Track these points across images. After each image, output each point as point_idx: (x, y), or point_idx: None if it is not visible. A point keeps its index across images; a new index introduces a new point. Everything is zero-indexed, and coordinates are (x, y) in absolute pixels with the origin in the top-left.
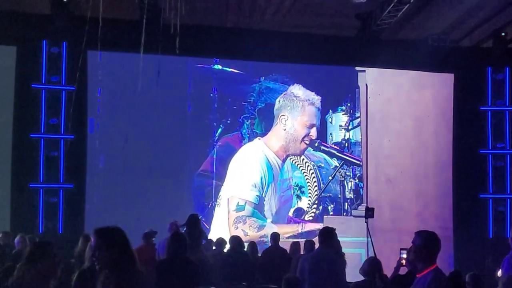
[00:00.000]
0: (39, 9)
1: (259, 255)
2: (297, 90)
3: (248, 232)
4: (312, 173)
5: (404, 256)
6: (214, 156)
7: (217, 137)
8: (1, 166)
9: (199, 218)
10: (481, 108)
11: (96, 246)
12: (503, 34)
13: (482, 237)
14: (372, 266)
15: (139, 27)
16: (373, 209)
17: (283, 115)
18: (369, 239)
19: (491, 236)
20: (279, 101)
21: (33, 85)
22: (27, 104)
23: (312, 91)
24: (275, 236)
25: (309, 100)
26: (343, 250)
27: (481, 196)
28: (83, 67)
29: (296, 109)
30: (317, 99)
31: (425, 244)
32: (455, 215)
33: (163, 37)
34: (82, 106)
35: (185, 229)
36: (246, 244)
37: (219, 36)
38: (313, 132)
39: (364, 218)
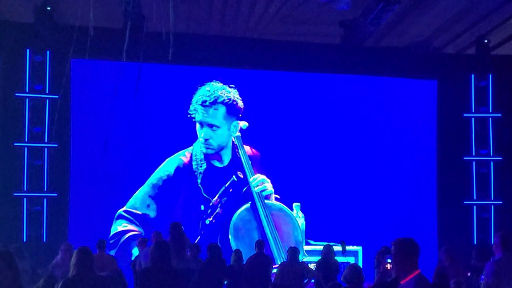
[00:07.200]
0: (22, 17)
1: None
2: None
3: None
4: None
5: (389, 260)
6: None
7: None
8: None
9: (181, 226)
10: (464, 115)
11: None
12: (486, 41)
13: (467, 243)
14: (353, 273)
15: (123, 35)
16: None
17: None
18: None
19: (475, 243)
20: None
21: (17, 93)
22: (10, 113)
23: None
24: (260, 244)
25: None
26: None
27: (465, 202)
28: (67, 76)
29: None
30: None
31: (402, 252)
32: (439, 222)
33: (146, 45)
34: (65, 114)
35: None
36: None
37: (202, 44)
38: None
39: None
